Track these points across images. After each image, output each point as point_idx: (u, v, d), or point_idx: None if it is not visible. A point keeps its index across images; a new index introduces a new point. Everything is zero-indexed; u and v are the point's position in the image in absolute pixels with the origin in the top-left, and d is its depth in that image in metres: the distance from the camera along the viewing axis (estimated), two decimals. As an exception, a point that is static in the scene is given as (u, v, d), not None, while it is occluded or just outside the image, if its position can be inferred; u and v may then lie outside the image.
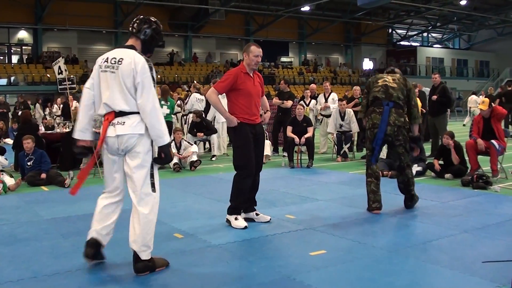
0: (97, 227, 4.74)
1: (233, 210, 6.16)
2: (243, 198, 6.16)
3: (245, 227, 5.98)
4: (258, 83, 6.29)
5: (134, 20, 4.79)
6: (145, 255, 4.52)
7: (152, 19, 4.83)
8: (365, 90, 7.28)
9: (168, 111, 12.67)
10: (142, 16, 4.84)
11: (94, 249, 4.70)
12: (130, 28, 4.76)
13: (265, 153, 11.50)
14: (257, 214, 6.35)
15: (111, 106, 4.48)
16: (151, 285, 4.23)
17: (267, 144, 11.92)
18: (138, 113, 4.48)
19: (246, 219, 6.24)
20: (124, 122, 4.46)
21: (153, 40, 4.77)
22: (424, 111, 13.15)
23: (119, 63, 4.47)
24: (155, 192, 4.57)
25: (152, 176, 4.56)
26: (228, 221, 6.16)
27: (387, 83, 6.91)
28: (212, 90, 6.21)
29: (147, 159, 4.54)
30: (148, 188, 4.53)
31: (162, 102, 12.35)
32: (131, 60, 4.45)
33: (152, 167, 4.58)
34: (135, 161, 4.49)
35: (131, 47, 4.64)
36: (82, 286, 4.27)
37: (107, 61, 4.55)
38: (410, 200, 7.00)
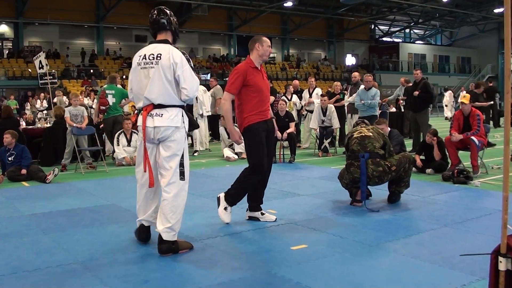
0: (143, 215, 5.11)
1: (231, 199, 5.96)
2: (243, 193, 5.98)
3: (227, 223, 5.92)
4: (266, 76, 6.03)
5: (153, 15, 5.01)
6: (167, 236, 4.83)
7: (163, 8, 5.08)
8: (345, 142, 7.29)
9: (114, 100, 11.81)
10: (157, 9, 5.04)
11: (146, 233, 5.19)
12: (154, 24, 5.01)
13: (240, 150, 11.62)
14: (262, 214, 6.15)
15: (151, 99, 4.83)
16: (130, 281, 4.21)
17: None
18: (176, 106, 4.87)
19: (250, 218, 6.13)
20: (162, 114, 4.83)
21: (177, 26, 5.11)
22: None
23: (158, 58, 4.80)
24: (183, 180, 4.91)
25: (182, 165, 4.90)
26: (218, 201, 6.01)
27: (362, 134, 6.89)
28: (226, 95, 5.85)
29: (180, 149, 4.89)
30: (176, 176, 4.87)
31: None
32: (169, 55, 4.78)
33: (182, 157, 4.91)
34: (168, 151, 4.85)
35: (165, 41, 4.97)
36: (62, 282, 4.23)
37: (145, 58, 4.87)
38: (395, 196, 7.03)
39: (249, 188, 5.97)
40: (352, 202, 6.89)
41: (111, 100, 11.47)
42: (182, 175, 4.88)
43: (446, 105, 27.61)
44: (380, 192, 7.28)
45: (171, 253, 4.84)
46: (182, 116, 4.92)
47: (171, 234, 4.84)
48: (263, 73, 5.99)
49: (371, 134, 6.86)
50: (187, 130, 4.99)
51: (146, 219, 5.11)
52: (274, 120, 6.36)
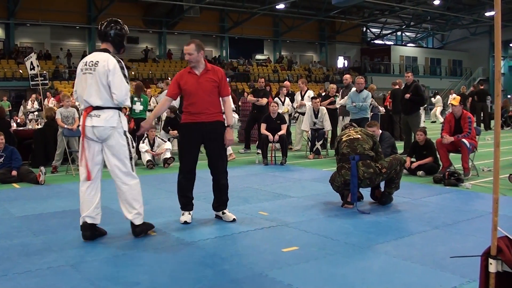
0: (86, 212, 5.40)
1: (180, 206, 6.24)
2: (181, 193, 6.18)
3: (185, 222, 6.07)
4: (208, 78, 6.03)
5: (101, 26, 5.51)
6: (138, 221, 5.49)
7: (114, 20, 5.57)
8: (335, 145, 7.32)
9: (141, 107, 12.53)
10: (107, 21, 5.53)
11: (90, 231, 5.45)
12: (99, 35, 5.55)
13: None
14: (223, 213, 6.28)
15: (89, 102, 5.34)
16: (121, 283, 4.19)
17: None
18: (112, 108, 5.34)
19: (216, 216, 6.33)
20: (99, 115, 5.32)
21: (120, 38, 5.55)
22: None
23: (96, 65, 5.31)
24: (134, 171, 5.53)
25: (130, 158, 5.48)
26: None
27: (351, 137, 6.94)
28: (163, 98, 6.30)
29: (122, 146, 5.40)
30: (128, 168, 5.46)
31: (135, 99, 12.28)
32: (105, 62, 5.29)
33: (130, 151, 5.48)
34: (111, 149, 5.38)
35: (105, 50, 5.45)
36: (53, 284, 4.22)
37: (86, 65, 5.38)
38: (386, 197, 7.05)
39: (178, 187, 6.22)
40: (343, 204, 6.90)
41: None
42: (132, 167, 5.49)
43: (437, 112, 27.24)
44: (369, 194, 7.28)
45: (143, 234, 5.54)
46: (119, 116, 5.41)
47: (140, 218, 5.50)
48: (204, 76, 6.02)
49: (359, 136, 6.90)
50: (125, 129, 5.46)
51: (89, 215, 5.40)
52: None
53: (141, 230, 5.52)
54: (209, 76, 6.05)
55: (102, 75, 5.26)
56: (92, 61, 5.33)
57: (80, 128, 5.45)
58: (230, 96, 6.35)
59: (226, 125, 6.19)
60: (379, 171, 6.67)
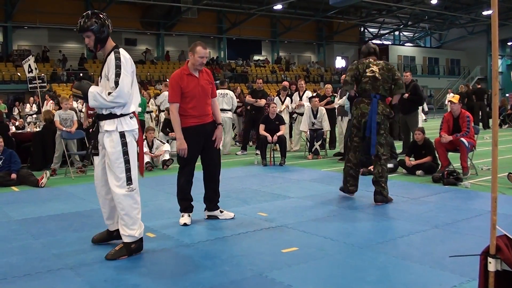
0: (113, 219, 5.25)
1: (181, 208, 6.25)
2: (182, 196, 6.20)
3: (184, 224, 6.06)
4: (206, 81, 6.07)
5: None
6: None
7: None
8: (351, 67, 7.40)
9: (139, 109, 12.48)
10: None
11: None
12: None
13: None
14: (221, 212, 6.39)
15: None
16: (121, 285, 4.19)
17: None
18: None
19: (210, 217, 6.36)
20: None
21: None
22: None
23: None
24: None
25: None
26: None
27: (374, 74, 7.15)
28: (171, 106, 6.03)
29: None
30: None
31: None
32: None
33: None
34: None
35: None
36: (53, 287, 4.21)
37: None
38: (379, 194, 7.07)
39: (179, 190, 6.21)
40: (342, 189, 7.03)
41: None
42: None
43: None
44: (369, 194, 7.28)
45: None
46: None
47: None
48: (202, 79, 6.03)
49: (381, 77, 7.16)
50: None
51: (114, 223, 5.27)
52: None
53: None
54: (206, 78, 6.10)
55: None
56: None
57: (136, 131, 5.34)
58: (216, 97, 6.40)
59: (217, 123, 6.21)
60: (390, 119, 7.26)
